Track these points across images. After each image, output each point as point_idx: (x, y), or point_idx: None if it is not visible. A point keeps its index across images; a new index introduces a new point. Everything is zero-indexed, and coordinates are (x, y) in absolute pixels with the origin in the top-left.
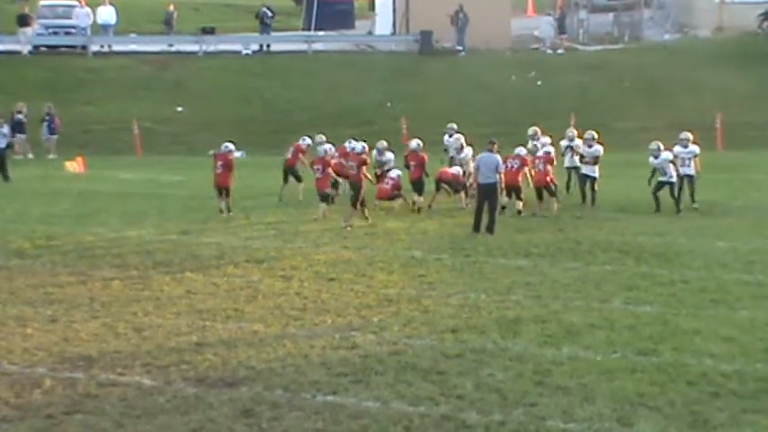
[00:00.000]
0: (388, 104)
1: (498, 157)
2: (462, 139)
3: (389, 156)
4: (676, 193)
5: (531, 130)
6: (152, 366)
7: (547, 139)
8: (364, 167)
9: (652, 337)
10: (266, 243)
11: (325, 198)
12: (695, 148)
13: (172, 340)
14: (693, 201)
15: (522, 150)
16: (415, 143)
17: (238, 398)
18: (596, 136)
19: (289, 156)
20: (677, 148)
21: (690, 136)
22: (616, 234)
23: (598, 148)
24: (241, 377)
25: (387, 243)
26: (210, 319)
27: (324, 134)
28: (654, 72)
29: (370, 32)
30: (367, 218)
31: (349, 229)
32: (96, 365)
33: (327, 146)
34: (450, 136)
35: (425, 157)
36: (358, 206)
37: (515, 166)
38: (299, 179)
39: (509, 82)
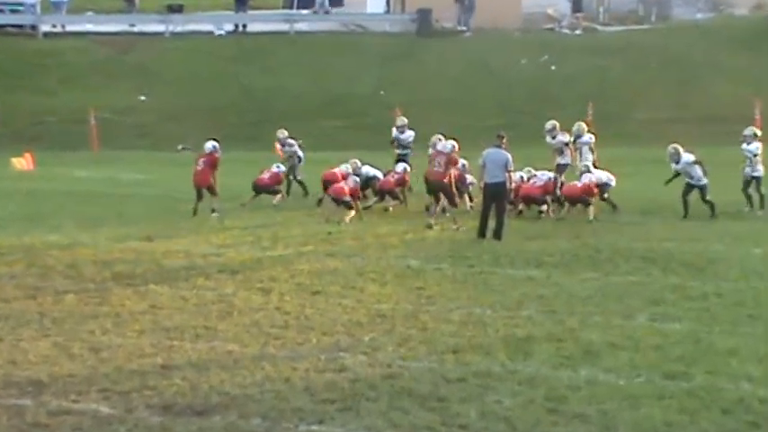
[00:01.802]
0: (382, 93)
1: (507, 153)
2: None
3: (410, 133)
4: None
5: (549, 124)
6: (111, 392)
7: (565, 137)
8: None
9: (682, 359)
10: (242, 251)
11: (347, 205)
12: (757, 146)
13: (133, 362)
14: (762, 206)
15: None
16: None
17: (210, 428)
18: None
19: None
20: (743, 145)
21: (755, 131)
22: (640, 240)
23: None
24: (213, 404)
25: (379, 251)
26: (178, 338)
27: (285, 129)
28: (684, 55)
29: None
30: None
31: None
32: (47, 391)
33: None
34: (402, 132)
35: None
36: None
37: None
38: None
39: (518, 66)
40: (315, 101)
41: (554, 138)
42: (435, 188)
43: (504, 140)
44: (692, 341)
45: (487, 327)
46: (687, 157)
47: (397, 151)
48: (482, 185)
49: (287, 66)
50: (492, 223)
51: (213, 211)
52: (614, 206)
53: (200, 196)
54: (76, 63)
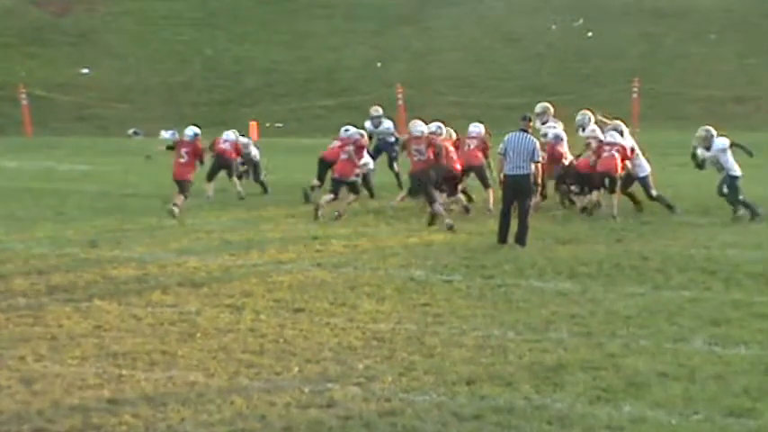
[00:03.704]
0: (378, 65)
1: (534, 139)
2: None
3: (387, 125)
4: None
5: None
6: None
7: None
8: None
9: (747, 392)
10: (207, 258)
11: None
12: None
13: (74, 395)
14: None
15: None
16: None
17: None
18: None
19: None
20: None
21: None
22: (697, 246)
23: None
24: None
25: (376, 259)
26: (129, 367)
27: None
28: (753, 20)
29: None
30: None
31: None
32: None
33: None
34: (378, 125)
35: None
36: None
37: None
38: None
39: (547, 33)
40: (294, 75)
41: (543, 123)
42: (417, 181)
43: (531, 124)
44: (760, 370)
45: (509, 352)
46: (720, 142)
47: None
48: (501, 178)
49: (260, 32)
50: (514, 225)
51: (174, 206)
52: (636, 202)
53: (182, 190)
54: (2, 29)
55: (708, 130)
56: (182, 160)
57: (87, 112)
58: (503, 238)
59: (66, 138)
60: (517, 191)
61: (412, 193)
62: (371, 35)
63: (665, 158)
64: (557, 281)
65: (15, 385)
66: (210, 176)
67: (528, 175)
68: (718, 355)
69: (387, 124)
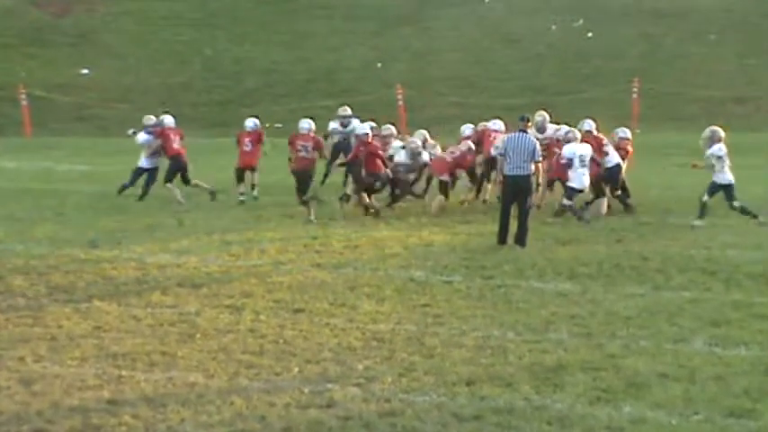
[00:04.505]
0: (378, 65)
1: (534, 139)
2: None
3: (356, 125)
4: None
5: (538, 117)
6: None
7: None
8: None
9: (747, 393)
10: (207, 259)
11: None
12: None
13: (74, 396)
14: None
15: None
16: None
17: None
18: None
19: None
20: None
21: None
22: (698, 247)
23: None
24: None
25: (376, 259)
26: (129, 367)
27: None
28: (753, 21)
29: None
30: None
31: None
32: None
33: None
34: (346, 125)
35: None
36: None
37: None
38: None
39: (547, 34)
40: (294, 76)
41: (542, 133)
42: (301, 177)
43: (530, 124)
44: (760, 371)
45: (509, 353)
46: (717, 148)
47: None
48: (500, 179)
49: (260, 32)
50: (514, 225)
51: (242, 201)
52: (627, 205)
53: (241, 179)
54: (3, 29)
55: (713, 131)
56: (246, 149)
57: (87, 112)
58: (502, 238)
59: (66, 138)
60: (517, 191)
61: (301, 189)
62: (371, 36)
63: (665, 159)
64: (557, 281)
65: (15, 386)
66: (168, 178)
67: (528, 176)
68: (719, 355)
69: (355, 123)
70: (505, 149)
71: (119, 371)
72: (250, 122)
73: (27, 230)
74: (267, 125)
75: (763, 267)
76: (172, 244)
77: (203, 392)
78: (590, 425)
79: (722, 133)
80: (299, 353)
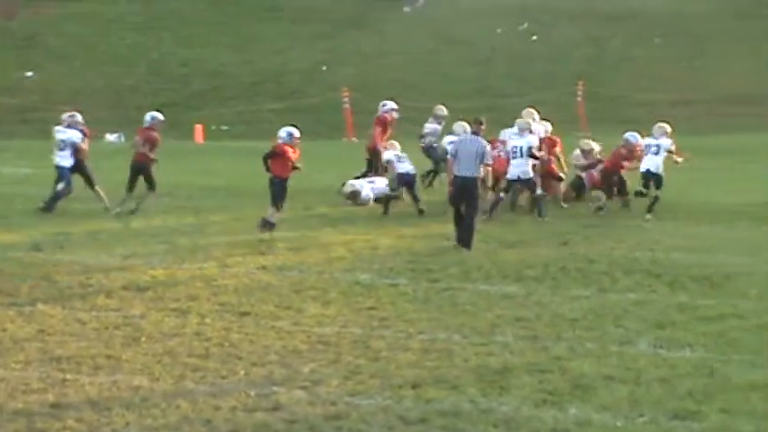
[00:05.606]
0: (324, 68)
1: (485, 142)
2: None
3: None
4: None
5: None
6: None
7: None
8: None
9: (692, 394)
10: (152, 262)
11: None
12: None
13: (18, 400)
14: None
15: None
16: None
17: None
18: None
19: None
20: None
21: None
22: (643, 249)
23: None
24: None
25: (322, 262)
26: (73, 371)
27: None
28: (698, 24)
29: None
30: None
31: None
32: None
33: None
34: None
35: None
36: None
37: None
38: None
39: (494, 36)
40: (240, 78)
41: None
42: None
43: (483, 127)
44: (705, 373)
45: (455, 356)
46: (663, 141)
47: None
48: (450, 180)
49: (207, 35)
50: (460, 228)
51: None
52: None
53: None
54: None
55: (661, 127)
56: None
57: (30, 115)
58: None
59: (9, 140)
60: (464, 192)
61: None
62: (319, 38)
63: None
64: (503, 284)
65: None
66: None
67: (475, 179)
68: (664, 357)
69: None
70: (456, 151)
71: (63, 374)
72: (283, 132)
73: None
74: (213, 127)
75: (708, 270)
76: (117, 248)
77: (148, 396)
78: (536, 427)
79: (667, 129)
80: (245, 356)
